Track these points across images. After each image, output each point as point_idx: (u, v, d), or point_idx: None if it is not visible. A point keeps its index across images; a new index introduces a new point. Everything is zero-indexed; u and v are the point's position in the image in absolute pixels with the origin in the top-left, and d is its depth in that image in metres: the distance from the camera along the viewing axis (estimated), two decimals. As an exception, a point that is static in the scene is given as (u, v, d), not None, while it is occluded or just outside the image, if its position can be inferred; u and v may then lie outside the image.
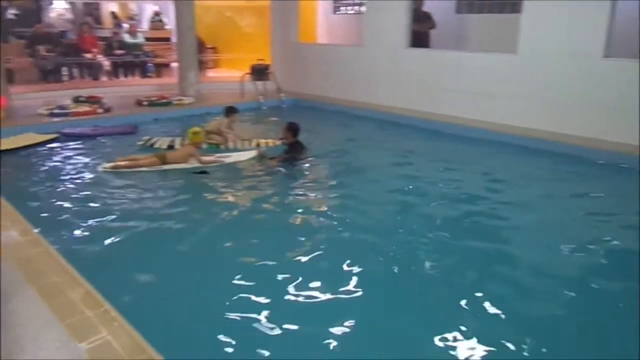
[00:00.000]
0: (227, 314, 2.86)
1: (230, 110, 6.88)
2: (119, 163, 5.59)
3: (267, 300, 2.99)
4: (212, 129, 6.70)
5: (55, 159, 6.03)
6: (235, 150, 6.44)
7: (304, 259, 3.52)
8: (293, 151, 5.86)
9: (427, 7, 9.07)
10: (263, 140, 6.80)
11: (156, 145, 6.54)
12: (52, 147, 6.45)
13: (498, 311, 2.93)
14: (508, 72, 7.30)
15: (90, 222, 4.08)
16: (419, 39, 8.83)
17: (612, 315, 2.97)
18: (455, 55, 8.12)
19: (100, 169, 5.55)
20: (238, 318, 2.81)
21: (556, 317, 2.91)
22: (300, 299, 3.03)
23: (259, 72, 10.28)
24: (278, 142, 6.47)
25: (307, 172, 5.64)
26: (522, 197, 4.95)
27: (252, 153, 6.12)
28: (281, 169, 5.63)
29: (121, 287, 3.04)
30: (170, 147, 6.45)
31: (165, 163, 5.60)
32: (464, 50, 8.41)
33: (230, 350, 2.56)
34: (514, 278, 3.36)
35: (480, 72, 7.65)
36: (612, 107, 6.26)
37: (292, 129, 5.98)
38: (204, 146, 6.13)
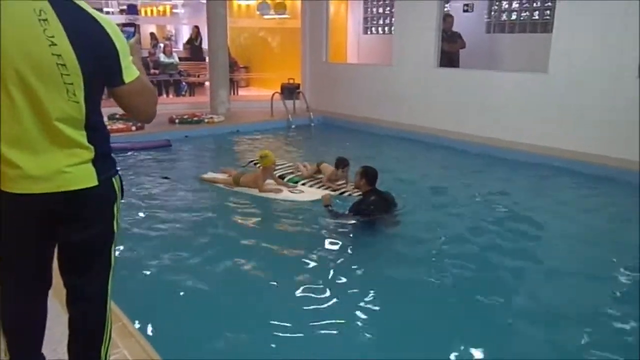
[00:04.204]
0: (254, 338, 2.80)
1: (341, 163, 5.43)
2: (204, 176, 5.69)
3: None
4: (325, 172, 5.58)
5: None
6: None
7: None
8: (364, 204, 4.41)
9: (456, 27, 9.02)
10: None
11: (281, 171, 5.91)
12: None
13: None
14: (539, 91, 7.16)
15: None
16: (449, 58, 8.78)
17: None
18: (485, 74, 8.02)
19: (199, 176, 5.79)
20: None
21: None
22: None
23: (289, 91, 10.38)
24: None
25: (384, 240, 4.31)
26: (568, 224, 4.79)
27: (317, 195, 5.13)
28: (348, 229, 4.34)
29: (140, 302, 3.05)
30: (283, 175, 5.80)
31: (238, 185, 5.36)
32: (494, 69, 8.31)
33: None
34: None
35: (511, 91, 7.52)
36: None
37: (367, 174, 4.51)
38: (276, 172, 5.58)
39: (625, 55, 6.21)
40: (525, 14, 9.28)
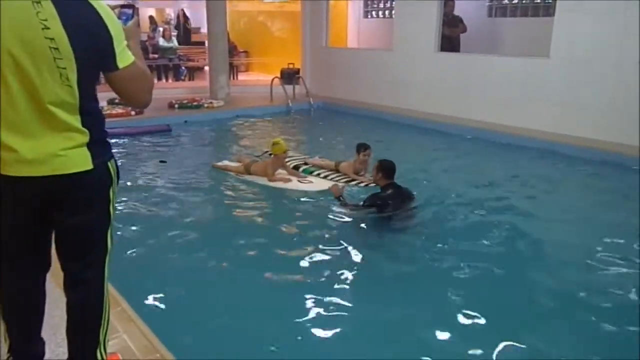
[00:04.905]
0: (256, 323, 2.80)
1: (362, 147, 5.21)
2: (218, 164, 5.67)
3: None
4: (346, 172, 5.35)
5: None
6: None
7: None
8: (380, 198, 4.24)
9: (457, 10, 8.92)
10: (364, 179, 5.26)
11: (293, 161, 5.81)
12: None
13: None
14: (541, 76, 7.11)
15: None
16: (450, 43, 8.70)
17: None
18: (487, 59, 7.96)
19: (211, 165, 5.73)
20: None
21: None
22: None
23: (289, 76, 10.32)
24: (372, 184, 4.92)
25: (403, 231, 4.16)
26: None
27: (325, 185, 5.00)
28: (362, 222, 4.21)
29: (140, 287, 3.06)
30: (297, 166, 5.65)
31: (249, 173, 5.29)
32: (496, 54, 8.24)
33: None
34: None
35: (512, 76, 7.47)
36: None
37: (384, 168, 4.35)
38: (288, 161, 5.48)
39: (627, 40, 6.15)
40: (527, -3, 9.18)
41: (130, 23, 1.79)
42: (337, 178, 5.25)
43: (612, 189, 5.34)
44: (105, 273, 1.81)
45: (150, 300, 2.95)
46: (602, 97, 6.46)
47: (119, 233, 3.90)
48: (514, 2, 9.40)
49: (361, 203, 4.31)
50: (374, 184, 4.77)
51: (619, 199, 5.03)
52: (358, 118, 9.04)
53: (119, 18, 1.76)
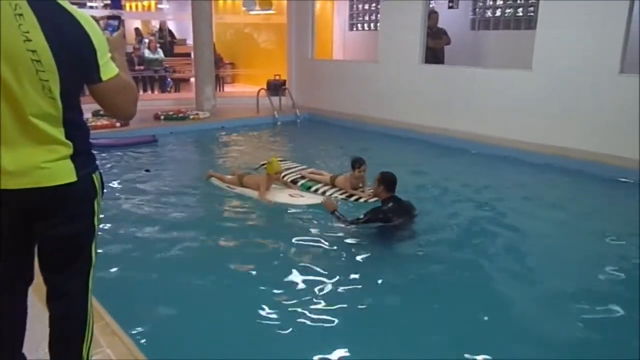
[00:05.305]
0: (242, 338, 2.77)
1: (357, 162, 5.02)
2: (214, 173, 5.60)
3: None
4: (343, 186, 5.19)
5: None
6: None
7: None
8: (382, 212, 4.11)
9: (441, 23, 9.05)
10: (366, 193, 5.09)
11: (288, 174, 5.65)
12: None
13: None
14: (523, 88, 7.22)
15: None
16: (434, 55, 8.80)
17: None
18: (470, 71, 8.07)
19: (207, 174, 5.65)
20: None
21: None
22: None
23: (275, 88, 10.33)
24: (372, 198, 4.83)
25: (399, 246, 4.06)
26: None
27: (316, 199, 4.88)
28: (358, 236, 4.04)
29: (124, 301, 3.02)
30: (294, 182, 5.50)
31: (241, 185, 5.19)
32: (479, 66, 8.36)
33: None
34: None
35: (495, 88, 7.57)
36: (630, 123, 6.12)
37: (386, 180, 4.23)
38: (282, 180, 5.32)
39: (608, 52, 6.27)
40: (509, 10, 9.34)
41: (116, 34, 1.79)
42: (335, 193, 5.12)
43: (600, 200, 5.44)
44: (90, 286, 1.78)
45: (134, 314, 2.91)
46: (583, 108, 6.56)
47: (102, 245, 3.86)
48: (496, 15, 9.56)
49: (360, 217, 4.12)
50: (374, 199, 4.70)
51: (605, 209, 5.12)
52: (344, 129, 9.09)
53: (105, 29, 1.76)
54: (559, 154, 6.56)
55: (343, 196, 5.04)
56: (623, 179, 5.78)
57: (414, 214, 4.31)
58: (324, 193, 5.15)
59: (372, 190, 4.76)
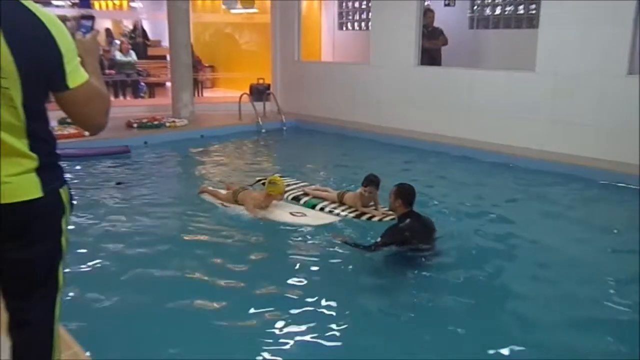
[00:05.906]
0: None
1: (366, 181, 4.85)
2: (208, 188, 5.51)
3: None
4: (353, 204, 4.99)
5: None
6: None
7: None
8: (400, 231, 3.93)
9: (438, 22, 9.14)
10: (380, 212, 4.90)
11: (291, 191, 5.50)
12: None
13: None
14: (526, 90, 7.30)
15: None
16: (430, 56, 8.88)
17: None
18: (469, 73, 8.15)
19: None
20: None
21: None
22: None
23: (259, 92, 10.38)
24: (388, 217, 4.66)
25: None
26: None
27: (320, 219, 4.77)
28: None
29: (93, 328, 2.98)
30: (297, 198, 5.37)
31: (236, 201, 5.02)
32: (479, 67, 8.44)
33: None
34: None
35: (495, 90, 7.65)
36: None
37: (404, 193, 4.02)
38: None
39: (615, 52, 6.37)
40: (509, 7, 9.47)
41: (88, 36, 1.76)
42: (344, 212, 4.92)
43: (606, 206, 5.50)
44: (56, 312, 1.76)
45: (105, 343, 2.87)
46: (589, 112, 6.65)
47: (70, 267, 3.81)
48: (496, 13, 9.69)
49: (377, 241, 3.91)
50: (388, 218, 4.58)
51: (613, 215, 5.18)
52: (334, 137, 9.12)
53: (78, 30, 1.73)
54: (564, 162, 6.62)
55: (353, 214, 4.86)
56: (632, 186, 5.83)
57: (434, 230, 4.11)
58: (331, 212, 4.98)
59: (386, 208, 4.64)
